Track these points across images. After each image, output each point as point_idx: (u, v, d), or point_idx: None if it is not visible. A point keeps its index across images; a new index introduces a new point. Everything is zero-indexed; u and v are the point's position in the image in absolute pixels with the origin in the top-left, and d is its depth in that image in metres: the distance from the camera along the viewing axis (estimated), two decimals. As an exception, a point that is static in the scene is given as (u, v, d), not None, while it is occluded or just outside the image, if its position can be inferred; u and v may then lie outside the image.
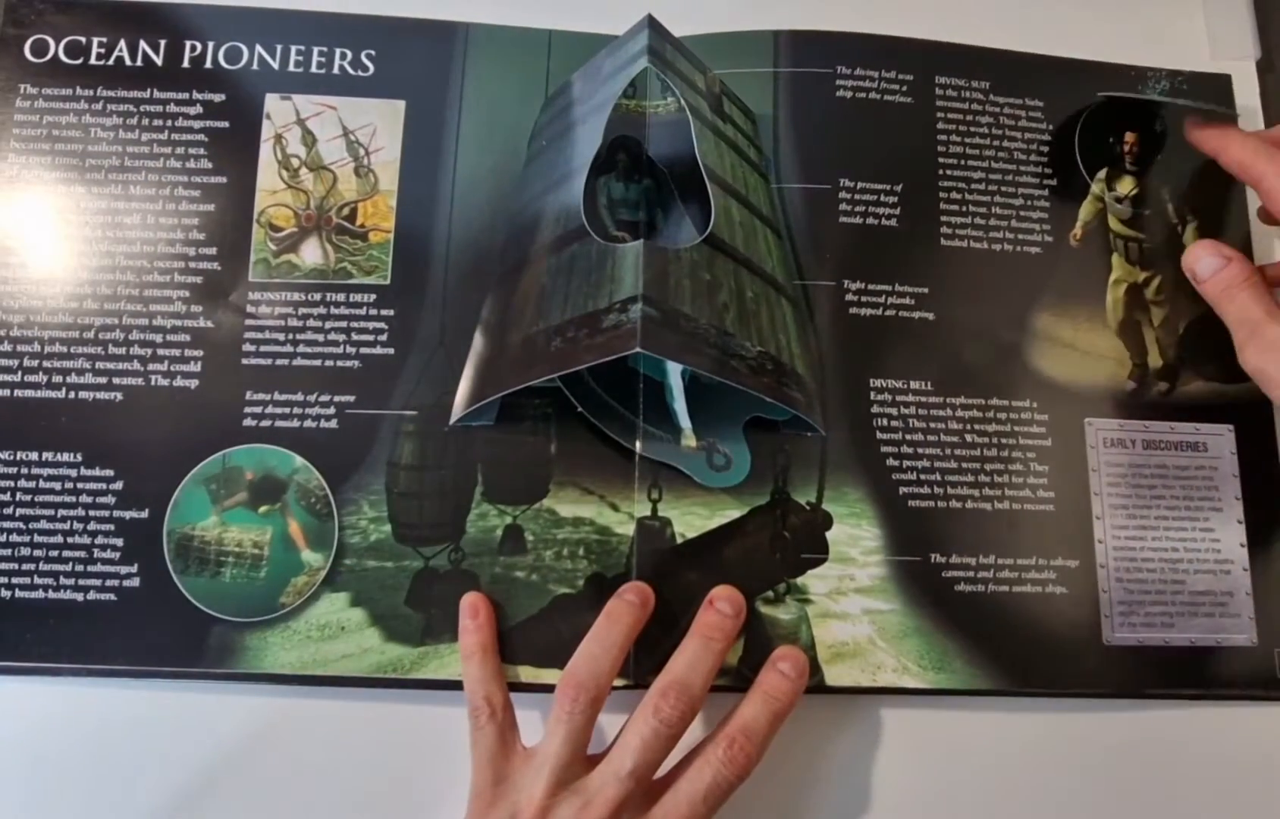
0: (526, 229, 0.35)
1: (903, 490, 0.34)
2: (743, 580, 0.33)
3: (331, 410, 0.35)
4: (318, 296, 0.35)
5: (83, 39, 0.37)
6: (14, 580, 0.33)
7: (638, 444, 0.34)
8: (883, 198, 0.36)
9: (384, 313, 0.35)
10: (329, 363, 0.35)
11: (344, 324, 0.35)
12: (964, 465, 0.34)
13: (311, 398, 0.35)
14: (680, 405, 0.35)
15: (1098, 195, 0.38)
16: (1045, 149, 0.38)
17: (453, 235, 0.36)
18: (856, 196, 0.36)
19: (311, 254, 0.36)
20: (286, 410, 0.35)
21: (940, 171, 0.37)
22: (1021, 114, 0.38)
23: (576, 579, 0.34)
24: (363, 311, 0.35)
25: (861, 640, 0.33)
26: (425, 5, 0.37)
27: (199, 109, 0.36)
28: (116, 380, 0.35)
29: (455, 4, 0.37)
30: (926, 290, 0.36)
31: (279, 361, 0.35)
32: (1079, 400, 0.36)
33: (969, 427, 0.35)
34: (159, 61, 0.37)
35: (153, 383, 0.35)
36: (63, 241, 0.35)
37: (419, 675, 0.33)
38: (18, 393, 0.34)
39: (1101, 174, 0.38)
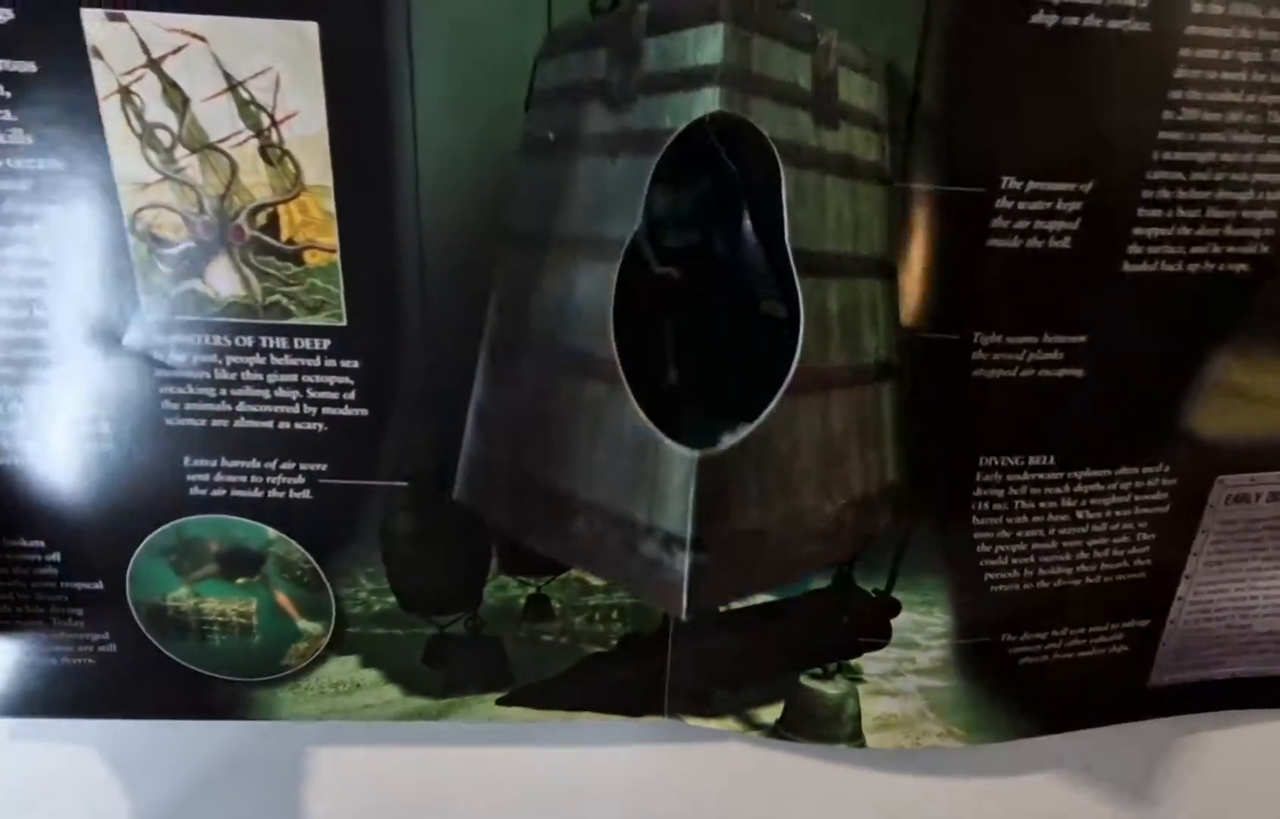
0: (532, 291, 0.24)
1: (988, 577, 0.29)
2: (788, 656, 0.31)
3: (300, 479, 0.28)
4: (248, 341, 0.26)
5: None
6: (-25, 643, 0.29)
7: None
8: (1059, 204, 0.24)
9: (345, 364, 0.26)
10: (283, 425, 0.27)
11: (293, 378, 0.26)
12: (1064, 545, 0.29)
13: (271, 465, 0.27)
14: None
15: None
16: None
17: (427, 250, 0.25)
18: (1020, 205, 0.24)
19: (224, 281, 0.25)
20: (242, 478, 0.27)
21: (1156, 156, 0.24)
22: None
23: (610, 640, 0.31)
24: (315, 362, 0.26)
25: (911, 714, 0.31)
26: None
27: (-25, 37, 0.22)
28: (6, 443, 0.27)
29: None
30: (1085, 339, 0.26)
31: (216, 422, 0.27)
32: (1217, 457, 0.29)
33: (1083, 502, 0.29)
34: None
35: (55, 445, 0.27)
36: None
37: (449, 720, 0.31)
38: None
39: None
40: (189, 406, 0.26)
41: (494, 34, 0.22)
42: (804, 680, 0.31)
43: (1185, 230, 0.25)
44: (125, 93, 0.23)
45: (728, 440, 0.21)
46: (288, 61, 0.22)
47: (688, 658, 0.31)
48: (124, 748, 0.32)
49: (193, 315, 0.25)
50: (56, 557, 0.28)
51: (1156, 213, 0.25)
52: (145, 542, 0.28)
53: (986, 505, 0.28)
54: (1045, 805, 0.35)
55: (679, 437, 0.21)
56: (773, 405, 0.22)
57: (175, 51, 0.22)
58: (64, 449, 0.27)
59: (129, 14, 0.22)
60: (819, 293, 0.22)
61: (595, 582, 0.30)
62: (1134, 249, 0.25)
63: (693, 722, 0.32)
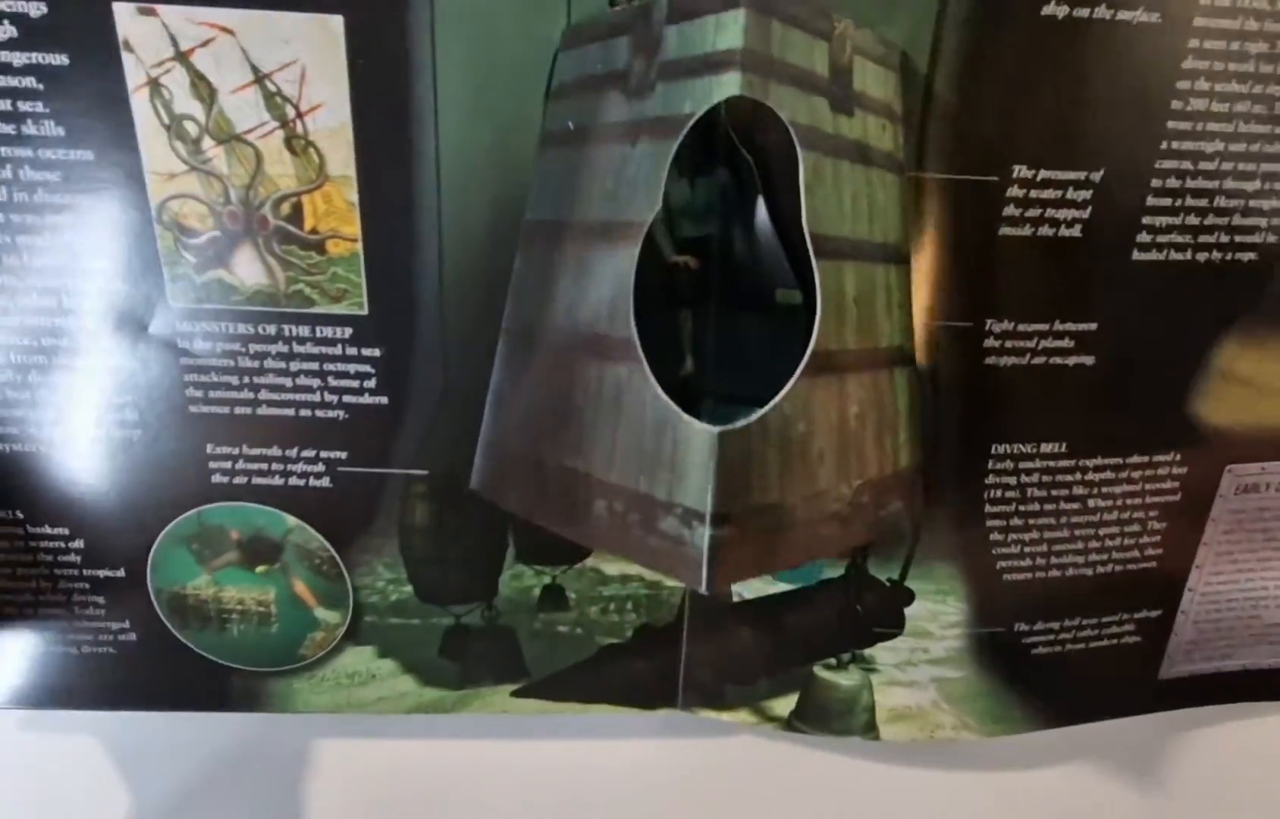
0: (551, 280, 0.24)
1: (1001, 565, 0.29)
2: (802, 648, 0.31)
3: (320, 467, 0.28)
4: (272, 329, 0.26)
5: None
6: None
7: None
8: (1070, 193, 0.25)
9: (366, 352, 0.26)
10: (305, 412, 0.27)
11: (315, 366, 0.27)
12: (1077, 533, 0.29)
13: (292, 453, 0.28)
14: None
15: None
16: None
17: (446, 244, 0.25)
18: (1032, 194, 0.25)
19: (249, 270, 0.25)
20: (263, 466, 0.28)
21: (1165, 145, 0.25)
22: None
23: (625, 631, 0.31)
24: (337, 350, 0.26)
25: (925, 705, 0.31)
26: None
27: (11, 32, 0.23)
28: (36, 430, 0.27)
29: None
30: (1095, 327, 0.26)
31: (239, 410, 0.27)
32: (1227, 446, 0.29)
33: (1095, 490, 0.29)
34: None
35: (81, 433, 0.27)
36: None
37: (463, 712, 0.32)
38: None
39: None
40: (213, 394, 0.27)
41: (515, 28, 0.23)
42: (818, 671, 0.31)
43: (1194, 219, 0.26)
44: (154, 85, 0.23)
45: (746, 420, 0.21)
46: (313, 54, 0.23)
47: (702, 651, 0.31)
48: (132, 741, 0.33)
49: (218, 304, 0.26)
50: (80, 544, 0.29)
51: (1165, 202, 0.25)
52: (167, 529, 0.28)
53: (999, 493, 0.28)
54: (1058, 801, 0.35)
55: (698, 418, 0.22)
56: (790, 385, 0.22)
57: (204, 44, 0.23)
58: (90, 437, 0.27)
59: (159, 7, 0.22)
60: (835, 277, 0.22)
61: (610, 572, 0.30)
62: (1143, 237, 0.26)
63: (706, 714, 0.32)
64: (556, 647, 0.31)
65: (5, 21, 0.22)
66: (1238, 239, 0.26)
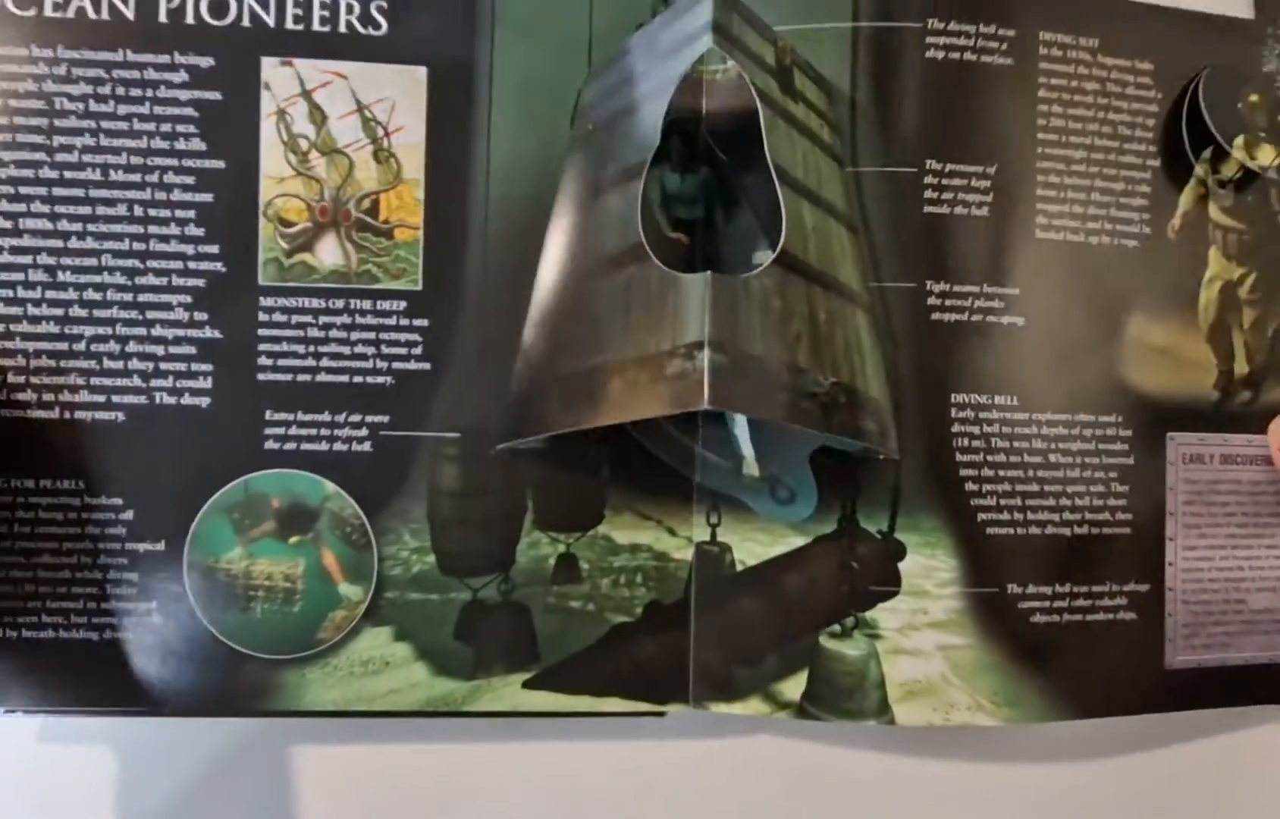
0: (579, 245, 0.30)
1: (981, 517, 0.32)
2: (806, 612, 0.32)
3: (364, 432, 0.31)
4: (340, 303, 0.31)
5: (33, -16, 0.31)
6: (19, 620, 0.30)
7: (696, 474, 0.32)
8: (974, 182, 0.32)
9: (416, 323, 0.31)
10: (357, 379, 0.31)
11: (372, 335, 0.31)
12: (1046, 488, 0.32)
13: (340, 418, 0.31)
14: (743, 432, 0.32)
15: (1200, 178, 0.34)
16: (1151, 123, 0.33)
17: (490, 233, 0.32)
18: (944, 181, 0.32)
19: (330, 253, 0.31)
20: (313, 432, 0.31)
21: (1040, 150, 0.32)
22: (1130, 80, 0.33)
23: (634, 607, 0.32)
24: (392, 321, 0.31)
25: (934, 678, 0.31)
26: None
27: (183, 76, 0.31)
28: (116, 398, 0.31)
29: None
30: (1017, 292, 0.32)
31: (300, 377, 0.31)
32: (1163, 413, 0.33)
33: (1052, 445, 0.32)
34: (129, 13, 0.31)
35: (158, 401, 0.31)
36: (36, 237, 0.30)
37: (471, 709, 0.31)
38: (3, 413, 0.30)
39: (1206, 153, 0.34)
40: (280, 362, 0.31)
41: (551, 74, 0.32)
42: (823, 642, 0.32)
43: (1078, 208, 0.33)
44: (281, 113, 0.31)
45: (732, 278, 0.27)
46: (402, 92, 0.32)
47: (710, 629, 0.32)
48: (128, 746, 0.32)
49: (299, 282, 0.31)
50: (129, 515, 0.31)
51: (1052, 192, 0.33)
52: (214, 498, 0.31)
53: (966, 441, 0.32)
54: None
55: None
56: (767, 263, 0.27)
57: (323, 85, 0.31)
58: (165, 406, 0.31)
59: (295, 61, 0.31)
60: (795, 205, 0.29)
61: (621, 540, 0.32)
62: (1041, 220, 0.33)
63: (718, 708, 0.32)
64: (569, 623, 0.32)
65: (181, 69, 0.31)
66: (1120, 227, 0.33)
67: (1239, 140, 0.34)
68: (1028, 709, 0.32)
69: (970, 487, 0.32)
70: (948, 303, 0.32)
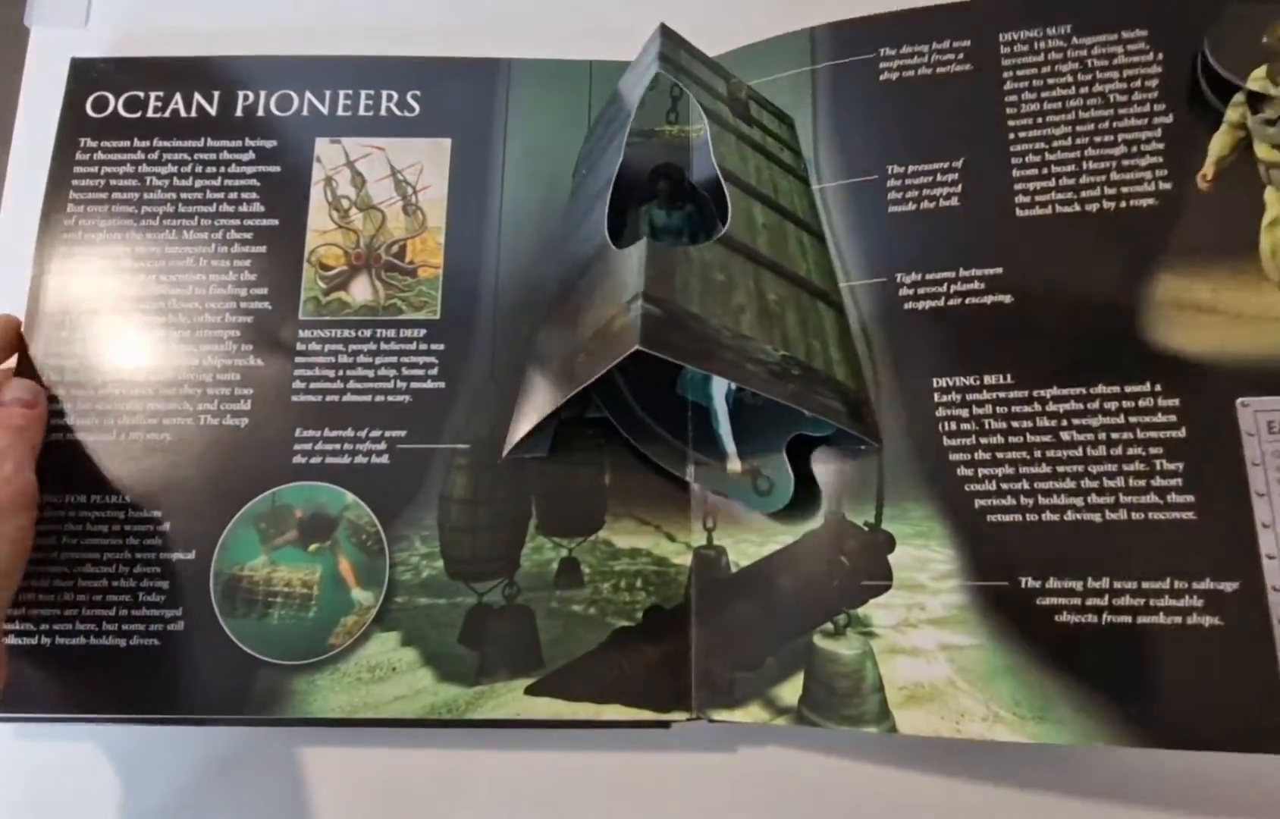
0: (569, 261, 0.34)
1: (980, 504, 0.30)
2: (799, 610, 0.32)
3: (383, 446, 0.34)
4: (368, 332, 0.35)
5: (140, 94, 0.38)
6: (55, 627, 0.32)
7: (689, 473, 0.34)
8: (939, 177, 0.34)
9: (434, 347, 0.35)
10: (379, 398, 0.35)
11: (394, 359, 0.35)
12: (1060, 469, 0.30)
13: (362, 433, 0.34)
14: (725, 429, 0.34)
15: (1236, 122, 0.31)
16: (1154, 84, 0.32)
17: (501, 269, 0.36)
18: (908, 181, 0.34)
19: (361, 291, 0.36)
20: (337, 447, 0.34)
21: (1012, 136, 0.33)
22: (1118, 50, 0.33)
23: (635, 611, 0.33)
24: (413, 346, 0.35)
25: (939, 681, 0.30)
26: (468, 44, 0.38)
27: (251, 155, 0.37)
28: (167, 421, 0.34)
29: (497, 41, 0.38)
30: (1000, 271, 0.32)
31: (329, 398, 0.34)
32: (1225, 377, 0.29)
33: (1065, 422, 0.30)
34: (213, 112, 0.37)
35: (202, 422, 0.34)
36: (117, 286, 0.35)
37: (474, 716, 0.31)
38: (69, 437, 0.34)
39: (1239, 96, 0.31)
40: (312, 386, 0.35)
41: (555, 139, 0.37)
42: (818, 641, 0.31)
43: (1068, 181, 0.32)
44: (328, 180, 0.37)
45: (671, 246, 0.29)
46: (430, 158, 0.37)
47: (710, 633, 0.32)
48: (127, 746, 0.33)
49: (333, 316, 0.36)
50: (167, 527, 0.34)
51: (1032, 171, 0.32)
52: (244, 509, 0.34)
53: (954, 425, 0.32)
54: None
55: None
56: (709, 243, 0.30)
57: (364, 156, 0.37)
58: (208, 426, 0.34)
59: (343, 138, 0.37)
60: (744, 202, 0.31)
61: (621, 544, 0.34)
62: (1022, 198, 0.32)
63: (720, 715, 0.32)
64: (571, 627, 0.33)
65: (250, 150, 0.37)
66: (1127, 190, 0.32)
67: (1258, 72, 0.31)
68: (1063, 725, 0.28)
69: (963, 472, 0.31)
70: (920, 291, 0.33)
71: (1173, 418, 0.30)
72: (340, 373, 0.35)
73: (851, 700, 0.30)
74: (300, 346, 0.35)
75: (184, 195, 0.36)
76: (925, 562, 0.31)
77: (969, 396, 0.32)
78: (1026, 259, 0.32)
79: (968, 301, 0.32)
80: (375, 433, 0.34)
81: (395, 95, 0.38)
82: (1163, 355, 0.30)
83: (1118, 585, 0.29)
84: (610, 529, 0.34)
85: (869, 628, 0.31)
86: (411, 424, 0.34)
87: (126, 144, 0.37)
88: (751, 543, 0.33)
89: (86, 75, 0.38)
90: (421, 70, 0.38)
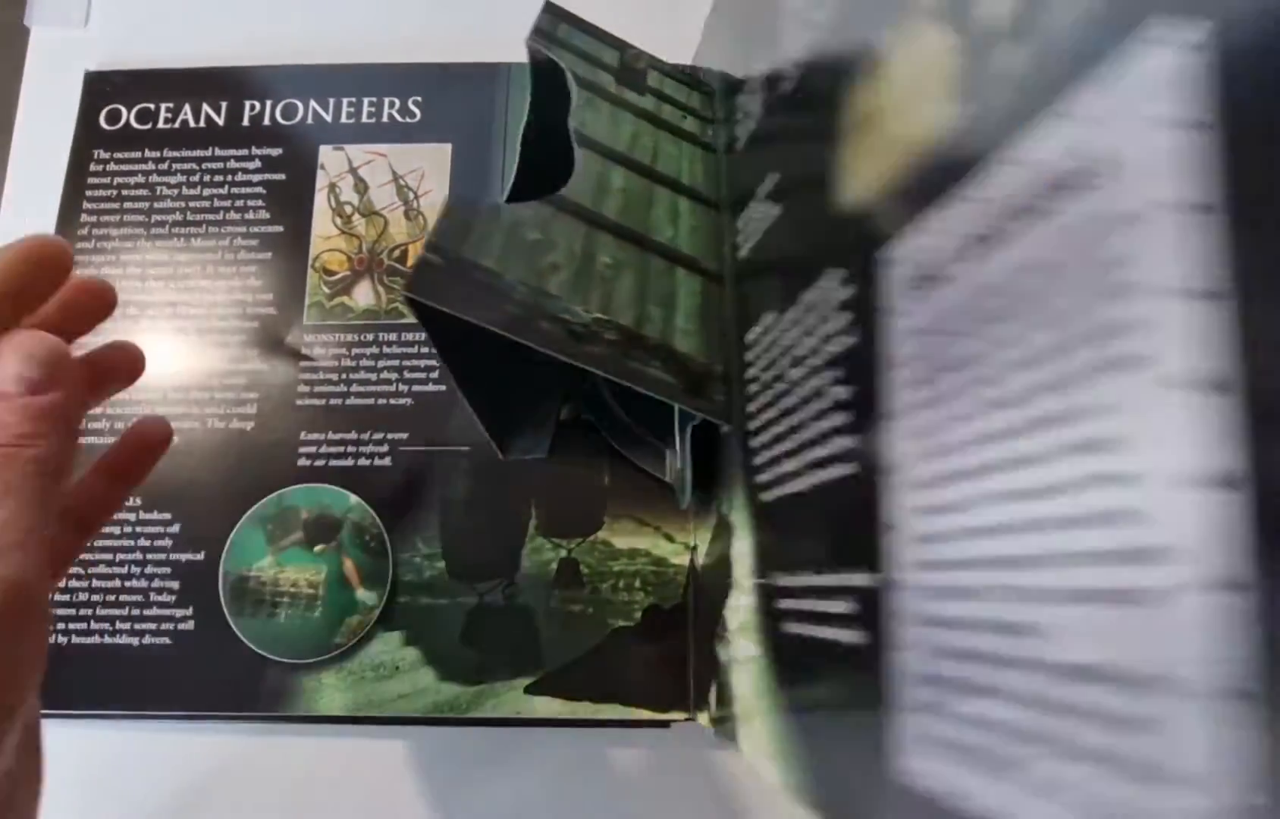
0: None
1: (758, 479, 0.25)
2: (711, 612, 0.31)
3: (385, 448, 0.35)
4: (370, 336, 0.36)
5: (151, 106, 0.38)
6: (70, 626, 0.33)
7: (667, 475, 0.34)
8: None
9: (435, 351, 0.35)
10: (382, 401, 0.35)
11: (396, 363, 0.35)
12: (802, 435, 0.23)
13: (365, 436, 0.35)
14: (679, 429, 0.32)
15: None
16: None
17: (501, 271, 0.36)
18: None
19: (364, 296, 0.36)
20: (340, 449, 0.35)
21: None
22: None
23: (634, 611, 0.33)
24: (414, 350, 0.36)
25: (747, 701, 0.25)
26: (468, 50, 0.38)
27: (257, 164, 0.38)
28: (176, 425, 0.35)
29: (496, 47, 0.38)
30: None
31: (333, 401, 0.35)
32: None
33: None
34: (220, 122, 0.38)
35: (209, 426, 0.35)
36: (128, 293, 0.36)
37: (475, 714, 0.32)
38: (82, 440, 0.35)
39: None
40: (317, 389, 0.36)
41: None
42: (718, 647, 0.30)
43: None
44: (331, 186, 0.37)
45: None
46: (431, 164, 0.38)
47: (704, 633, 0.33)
48: (128, 746, 0.33)
49: (337, 321, 0.36)
50: (177, 528, 0.35)
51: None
52: (251, 511, 0.35)
53: (755, 386, 0.25)
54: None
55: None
56: (529, 204, 0.27)
57: (367, 162, 0.38)
58: (215, 429, 0.35)
59: (346, 146, 0.38)
60: (599, 165, 0.30)
61: (619, 545, 0.34)
62: None
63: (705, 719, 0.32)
64: (570, 627, 0.33)
65: (256, 158, 0.38)
66: None
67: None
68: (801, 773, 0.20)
69: (752, 442, 0.25)
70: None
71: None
72: (343, 376, 0.35)
73: (731, 714, 0.29)
74: (305, 351, 0.36)
75: (192, 204, 0.37)
76: (742, 555, 0.27)
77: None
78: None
79: None
80: (378, 436, 0.35)
81: (397, 102, 0.38)
82: None
83: (818, 583, 0.20)
84: (609, 530, 0.34)
85: (725, 634, 0.29)
86: (413, 427, 0.35)
87: (138, 155, 0.38)
88: (705, 541, 0.33)
89: (100, 88, 0.39)
90: (422, 77, 0.39)
